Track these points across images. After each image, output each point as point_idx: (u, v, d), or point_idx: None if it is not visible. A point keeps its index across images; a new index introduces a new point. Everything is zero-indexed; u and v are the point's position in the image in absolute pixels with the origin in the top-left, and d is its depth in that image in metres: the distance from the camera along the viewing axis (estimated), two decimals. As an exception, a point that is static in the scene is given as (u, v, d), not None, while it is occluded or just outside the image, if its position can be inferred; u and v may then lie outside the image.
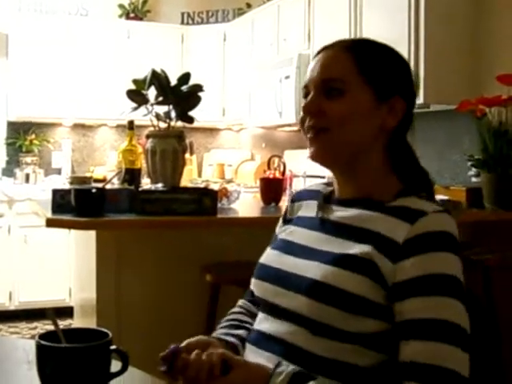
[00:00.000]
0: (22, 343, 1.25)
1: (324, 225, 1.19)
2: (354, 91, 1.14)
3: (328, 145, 1.16)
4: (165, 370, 1.06)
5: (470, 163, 2.73)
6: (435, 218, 1.06)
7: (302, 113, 1.20)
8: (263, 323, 1.19)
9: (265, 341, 1.14)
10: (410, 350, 0.99)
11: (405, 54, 3.07)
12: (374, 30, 3.40)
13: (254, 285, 1.24)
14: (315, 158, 1.19)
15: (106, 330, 0.99)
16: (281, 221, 1.36)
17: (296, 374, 1.02)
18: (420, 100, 3.13)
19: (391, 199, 1.13)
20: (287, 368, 1.03)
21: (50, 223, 1.99)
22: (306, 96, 1.20)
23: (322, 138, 1.15)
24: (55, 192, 2.14)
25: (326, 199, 1.24)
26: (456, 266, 1.04)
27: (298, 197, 1.33)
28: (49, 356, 0.93)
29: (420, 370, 0.97)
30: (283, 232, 1.28)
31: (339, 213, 1.18)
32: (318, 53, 1.21)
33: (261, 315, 1.22)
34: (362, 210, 1.14)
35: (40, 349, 0.94)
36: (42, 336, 0.95)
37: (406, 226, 1.06)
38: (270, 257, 1.24)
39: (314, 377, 1.02)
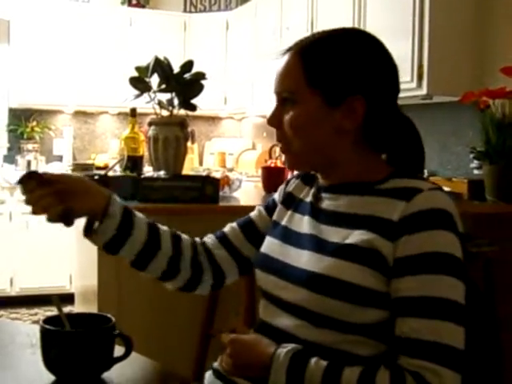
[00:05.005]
0: (26, 328, 1.25)
1: (319, 213, 1.18)
2: (302, 101, 1.13)
3: (294, 155, 1.17)
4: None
5: (472, 155, 2.72)
6: (431, 195, 1.06)
7: None
8: (267, 313, 1.20)
9: (269, 332, 1.15)
10: (407, 326, 1.01)
11: (408, 44, 3.16)
12: (378, 19, 3.39)
13: (256, 275, 1.24)
14: (290, 168, 1.21)
15: (109, 315, 1.00)
16: (281, 189, 1.34)
17: (296, 353, 1.05)
18: (423, 91, 3.13)
19: (382, 181, 1.12)
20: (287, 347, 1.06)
21: (53, 209, 1.99)
22: None
23: (288, 150, 1.17)
24: (57, 178, 2.13)
25: (318, 186, 1.23)
26: (452, 244, 1.04)
27: (305, 177, 1.31)
28: (53, 340, 0.94)
29: (417, 346, 0.99)
30: (284, 217, 1.27)
31: (331, 201, 1.17)
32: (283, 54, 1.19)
33: (265, 304, 1.22)
34: (353, 195, 1.14)
35: (44, 333, 0.94)
36: (46, 321, 0.96)
37: (401, 204, 1.05)
38: (270, 246, 1.24)
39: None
